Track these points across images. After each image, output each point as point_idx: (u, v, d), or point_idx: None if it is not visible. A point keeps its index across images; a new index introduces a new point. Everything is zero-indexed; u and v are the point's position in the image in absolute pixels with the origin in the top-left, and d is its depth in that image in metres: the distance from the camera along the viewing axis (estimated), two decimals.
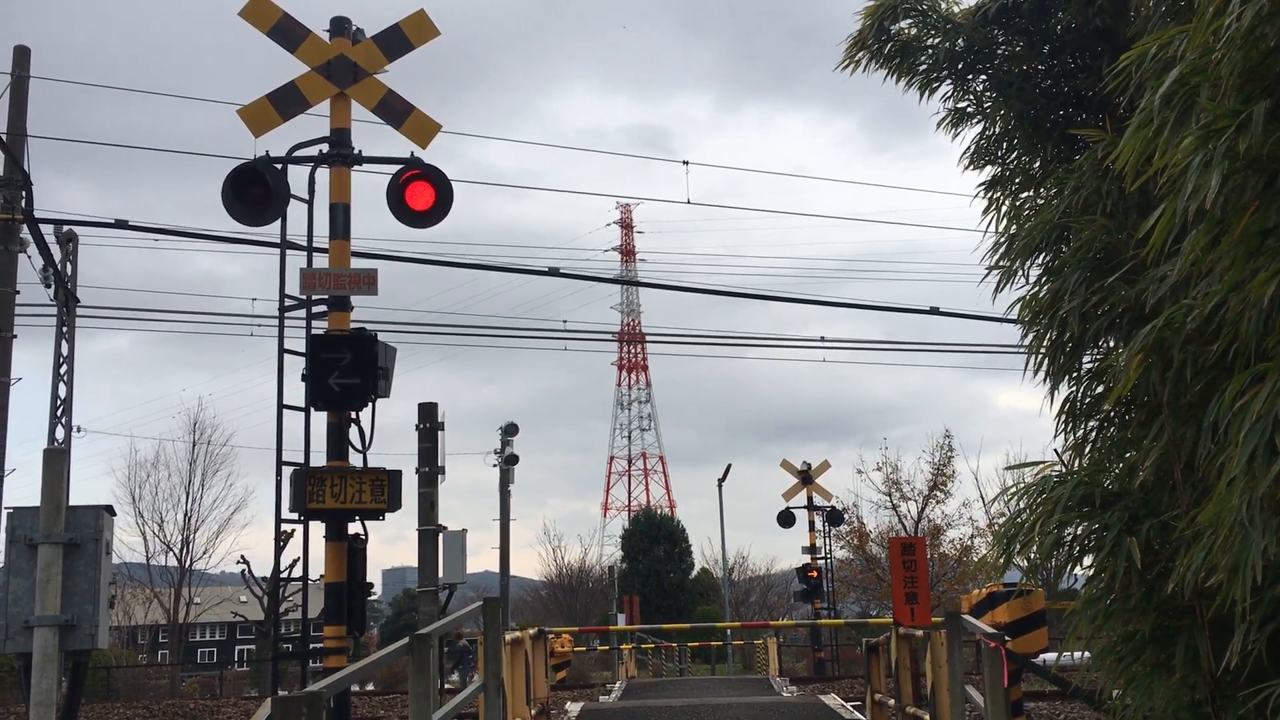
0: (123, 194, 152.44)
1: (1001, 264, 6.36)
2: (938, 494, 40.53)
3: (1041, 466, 5.61)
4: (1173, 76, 3.93)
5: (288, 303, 9.70)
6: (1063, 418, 5.84)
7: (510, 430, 28.48)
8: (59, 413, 19.82)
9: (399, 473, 9.28)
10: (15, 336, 18.18)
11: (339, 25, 9.86)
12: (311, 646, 9.76)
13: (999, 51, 7.00)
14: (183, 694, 34.90)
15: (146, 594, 45.06)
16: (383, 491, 9.16)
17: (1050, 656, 11.20)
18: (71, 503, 8.49)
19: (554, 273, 22.05)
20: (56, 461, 8.17)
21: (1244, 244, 3.71)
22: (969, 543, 39.40)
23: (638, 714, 12.65)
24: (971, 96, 7.18)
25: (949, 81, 7.18)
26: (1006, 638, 7.65)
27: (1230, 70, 3.70)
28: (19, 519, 8.17)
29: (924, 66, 7.15)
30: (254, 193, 9.45)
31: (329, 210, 9.71)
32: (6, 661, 24.23)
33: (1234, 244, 3.75)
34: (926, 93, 7.20)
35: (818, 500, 32.66)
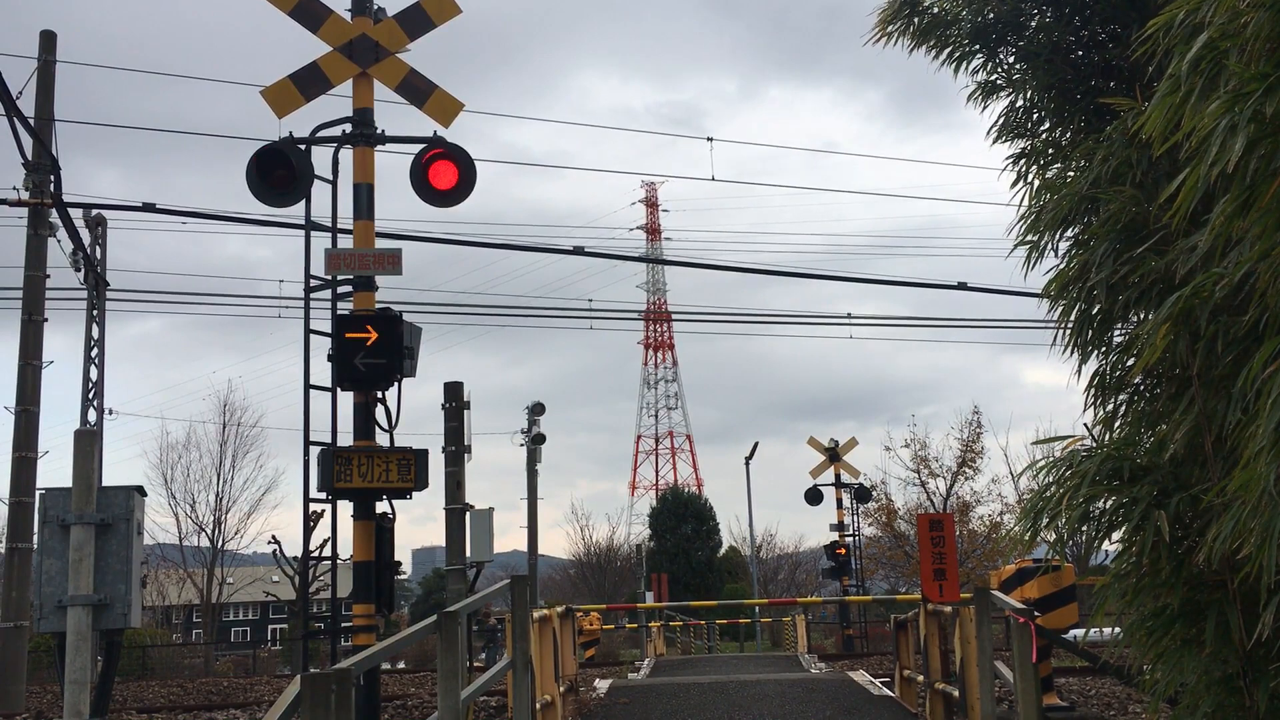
0: (153, 179, 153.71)
1: (1029, 239, 6.28)
2: (966, 470, 40.42)
3: (1070, 441, 5.55)
4: (1200, 41, 3.86)
5: (313, 284, 9.74)
6: (1091, 392, 5.78)
7: (537, 409, 28.55)
8: (90, 395, 20.02)
9: (425, 452, 9.31)
10: (46, 320, 18.37)
11: (360, 4, 9.86)
12: (342, 625, 9.84)
13: (1030, 23, 6.92)
14: (216, 672, 35.29)
15: (180, 574, 45.55)
16: (409, 471, 9.20)
17: (1079, 632, 11.15)
18: (104, 484, 8.57)
19: (579, 251, 22.09)
20: (87, 442, 8.23)
21: (1274, 211, 3.65)
22: (998, 519, 39.29)
23: (666, 691, 12.68)
24: (1001, 69, 7.09)
25: (980, 55, 7.09)
26: (1036, 613, 7.62)
27: (1257, 33, 3.63)
28: (51, 500, 8.24)
29: (954, 40, 7.07)
30: (278, 174, 9.48)
31: (353, 190, 9.74)
32: (42, 641, 24.56)
33: (1263, 211, 3.69)
34: (958, 67, 7.12)
35: (845, 478, 32.62)
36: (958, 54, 7.05)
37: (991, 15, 6.88)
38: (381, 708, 10.78)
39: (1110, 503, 5.10)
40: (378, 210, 9.78)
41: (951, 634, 9.50)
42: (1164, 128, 4.17)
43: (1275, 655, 4.31)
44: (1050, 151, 6.82)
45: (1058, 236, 6.12)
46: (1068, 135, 6.80)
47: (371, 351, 9.10)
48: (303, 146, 9.60)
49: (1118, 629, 5.78)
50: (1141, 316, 5.52)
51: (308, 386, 9.54)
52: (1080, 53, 6.83)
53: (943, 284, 24.08)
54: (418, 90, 9.82)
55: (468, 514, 12.68)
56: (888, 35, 7.24)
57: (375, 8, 9.91)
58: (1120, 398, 5.72)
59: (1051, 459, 5.39)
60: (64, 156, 17.77)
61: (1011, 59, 7.02)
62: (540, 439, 28.53)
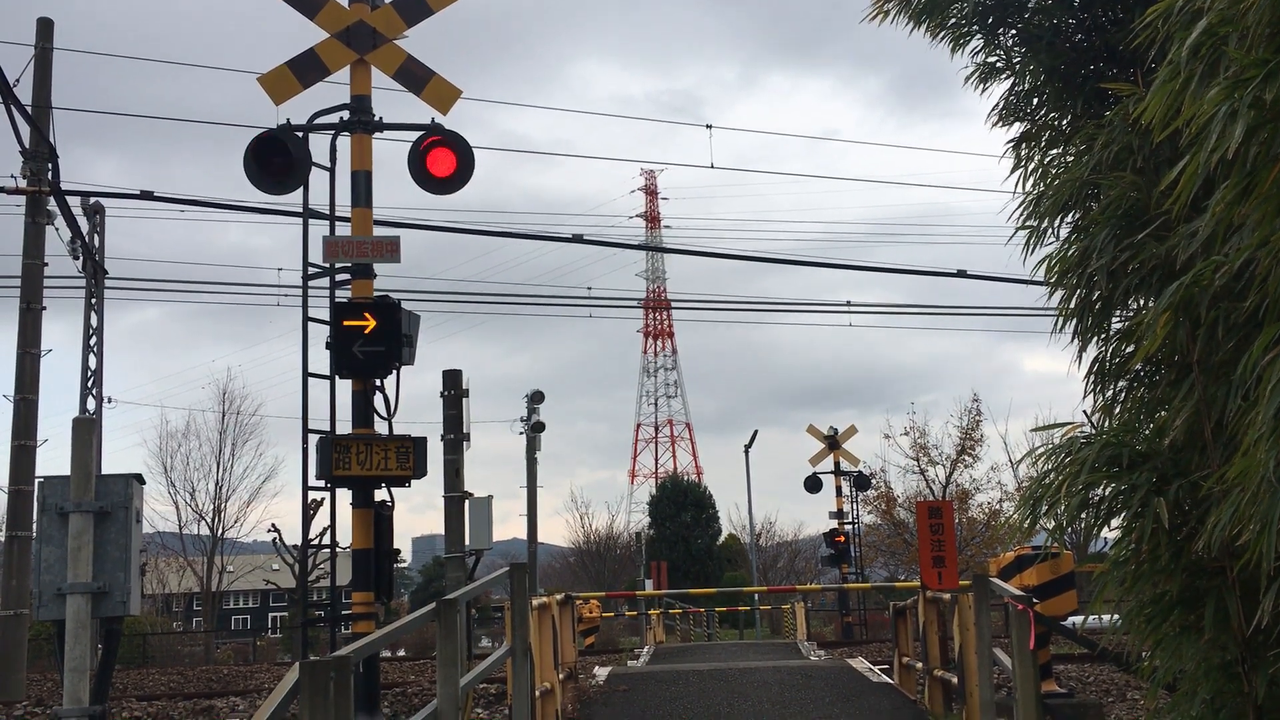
0: (152, 167, 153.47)
1: (1029, 224, 6.26)
2: (966, 458, 40.42)
3: (1069, 428, 5.54)
4: (1200, 28, 3.84)
5: (311, 272, 9.73)
6: (1091, 379, 5.76)
7: (536, 398, 28.52)
8: (89, 384, 20.01)
9: (424, 439, 9.31)
10: (45, 309, 18.34)
11: None
12: (341, 613, 9.84)
13: (1029, 4, 6.88)
14: (216, 660, 35.35)
15: (180, 562, 45.58)
16: (408, 458, 9.20)
17: (1078, 619, 11.16)
18: (103, 472, 8.56)
19: (578, 239, 22.06)
20: (85, 430, 8.22)
21: (1273, 198, 3.63)
22: (997, 506, 39.32)
23: (666, 678, 12.70)
24: (1001, 51, 7.05)
25: (978, 35, 7.04)
26: (1034, 600, 7.62)
27: (1258, 19, 3.61)
28: (50, 488, 8.23)
29: (953, 20, 7.02)
30: (276, 161, 9.45)
31: (350, 178, 9.71)
32: (42, 629, 24.58)
33: (1263, 197, 3.67)
34: (956, 48, 7.07)
35: (845, 465, 32.63)
36: (955, 36, 7.00)
37: None
38: (381, 695, 10.79)
39: (1109, 489, 5.09)
40: (376, 199, 9.77)
41: (950, 621, 9.52)
42: (1164, 114, 4.15)
43: (1274, 642, 4.31)
44: (1048, 136, 6.79)
45: (1058, 222, 6.10)
46: (1068, 119, 6.77)
47: (370, 339, 9.09)
48: (300, 134, 9.57)
49: (1116, 616, 5.77)
50: (1142, 303, 5.51)
51: (306, 374, 9.53)
52: (1080, 36, 6.79)
53: (942, 271, 24.11)
54: (416, 77, 9.78)
55: (467, 502, 12.69)
56: (885, 13, 7.18)
57: None
58: (1120, 384, 5.70)
59: (1051, 446, 5.37)
60: (62, 144, 17.74)
61: (1011, 41, 6.98)
62: (539, 427, 28.52)
